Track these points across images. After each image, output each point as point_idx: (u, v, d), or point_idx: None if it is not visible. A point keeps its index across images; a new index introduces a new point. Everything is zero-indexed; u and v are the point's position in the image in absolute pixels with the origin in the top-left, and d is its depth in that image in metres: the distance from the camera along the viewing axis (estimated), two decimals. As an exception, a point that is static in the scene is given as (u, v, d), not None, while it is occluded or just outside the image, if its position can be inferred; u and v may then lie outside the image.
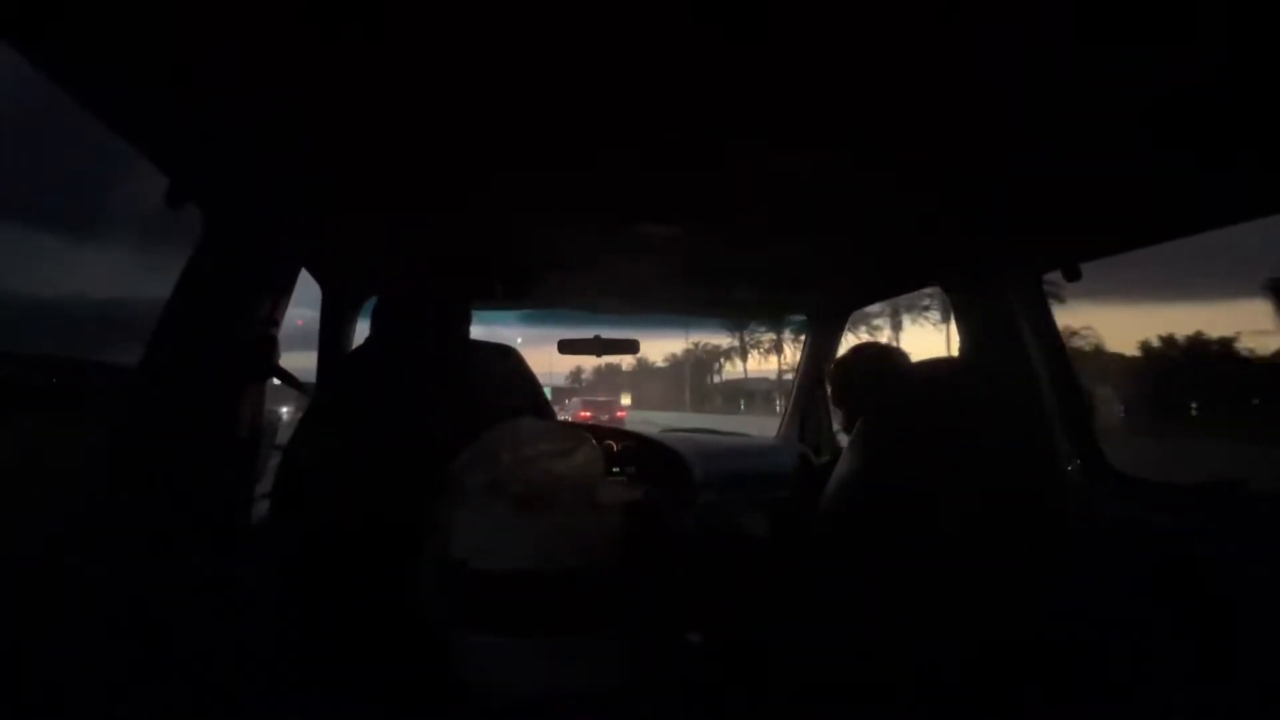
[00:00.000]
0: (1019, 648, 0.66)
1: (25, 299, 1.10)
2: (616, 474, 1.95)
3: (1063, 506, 1.22)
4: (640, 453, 2.09)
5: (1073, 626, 0.71)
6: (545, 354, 2.60)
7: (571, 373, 42.38)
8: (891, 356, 1.46)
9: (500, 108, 0.85)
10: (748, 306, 2.26)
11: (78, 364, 0.94)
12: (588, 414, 15.41)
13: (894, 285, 1.92)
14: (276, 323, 1.30)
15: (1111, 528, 1.10)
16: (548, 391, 1.32)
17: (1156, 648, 0.84)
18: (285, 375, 1.32)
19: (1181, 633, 0.86)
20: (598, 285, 1.92)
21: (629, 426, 2.68)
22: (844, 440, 1.29)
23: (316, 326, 1.82)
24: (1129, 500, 1.19)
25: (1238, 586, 0.89)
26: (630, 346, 2.50)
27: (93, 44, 0.70)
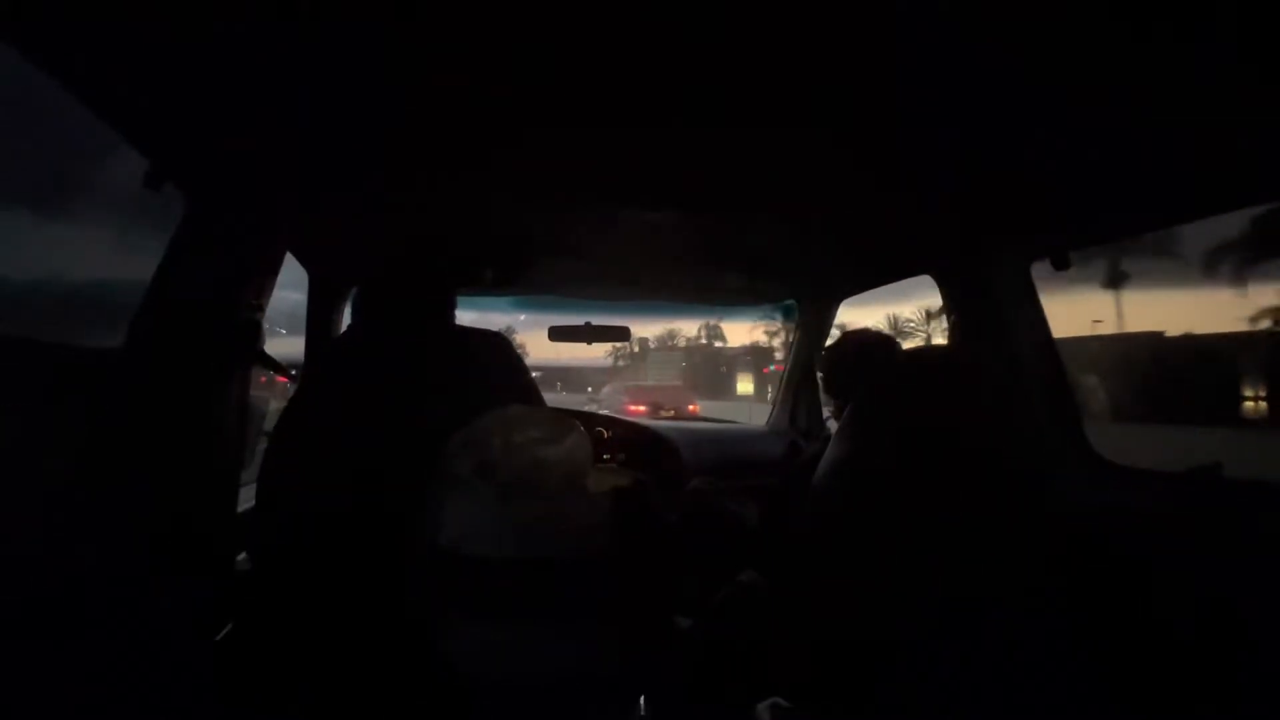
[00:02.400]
0: (1009, 636, 0.67)
1: (-2, 282, 1.07)
2: (606, 460, 1.96)
3: (1050, 493, 1.23)
4: (630, 439, 2.10)
5: (1060, 615, 0.72)
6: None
7: (616, 350, 31.07)
8: (882, 344, 1.46)
9: (490, 91, 0.84)
10: (738, 292, 2.28)
11: (55, 349, 0.92)
12: (641, 408, 9.77)
13: (884, 273, 1.93)
14: (261, 307, 1.28)
15: (1098, 514, 1.12)
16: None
17: (1143, 635, 0.85)
18: (270, 361, 1.30)
19: (1167, 619, 0.88)
20: (588, 271, 1.91)
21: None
22: (834, 427, 1.30)
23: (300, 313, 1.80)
24: (1114, 487, 1.20)
25: (1220, 572, 0.90)
26: (621, 333, 2.51)
27: (71, 22, 0.68)
